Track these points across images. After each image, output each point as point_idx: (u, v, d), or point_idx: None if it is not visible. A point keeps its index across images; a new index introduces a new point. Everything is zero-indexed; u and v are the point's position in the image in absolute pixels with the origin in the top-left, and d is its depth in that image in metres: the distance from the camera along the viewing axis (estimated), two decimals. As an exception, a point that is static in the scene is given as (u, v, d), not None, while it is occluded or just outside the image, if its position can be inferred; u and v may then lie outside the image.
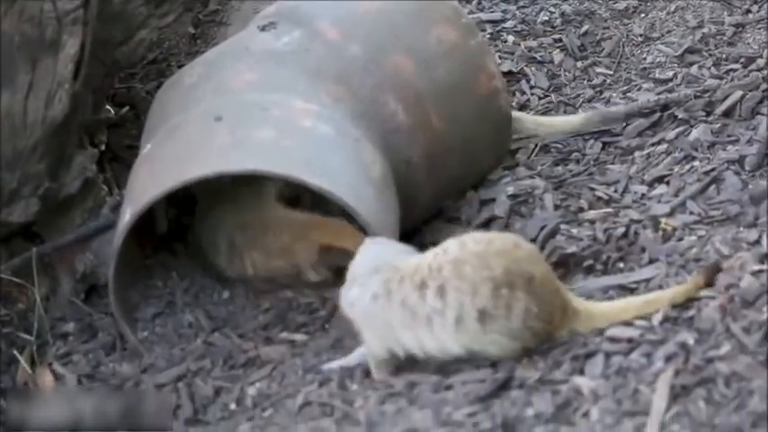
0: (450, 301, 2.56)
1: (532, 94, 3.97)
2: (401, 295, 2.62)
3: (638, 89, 3.85)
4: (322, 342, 3.05)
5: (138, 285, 3.32)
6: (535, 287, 2.57)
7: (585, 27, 4.24)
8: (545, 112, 3.85)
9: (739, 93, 3.55)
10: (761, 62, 3.73)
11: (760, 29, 3.95)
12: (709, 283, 2.67)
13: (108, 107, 3.94)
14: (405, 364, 2.71)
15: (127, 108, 4.05)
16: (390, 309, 2.63)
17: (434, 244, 2.74)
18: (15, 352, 3.17)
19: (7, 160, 3.22)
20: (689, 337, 2.49)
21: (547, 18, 4.31)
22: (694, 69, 3.85)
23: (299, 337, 3.11)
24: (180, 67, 4.02)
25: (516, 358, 2.61)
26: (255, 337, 3.14)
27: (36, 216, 3.33)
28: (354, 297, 2.71)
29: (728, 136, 3.42)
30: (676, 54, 3.97)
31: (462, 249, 2.61)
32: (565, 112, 3.83)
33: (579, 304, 2.67)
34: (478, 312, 2.55)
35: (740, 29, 4.00)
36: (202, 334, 3.18)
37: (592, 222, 3.19)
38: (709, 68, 3.83)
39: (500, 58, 4.09)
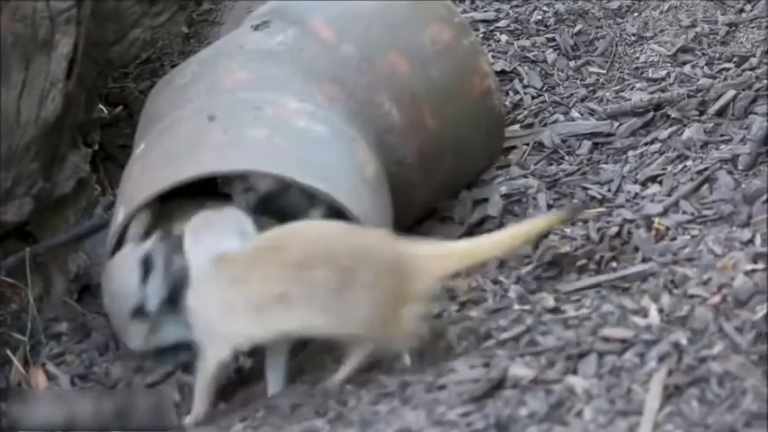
0: None
1: (525, 94, 3.96)
2: None
3: (632, 88, 3.86)
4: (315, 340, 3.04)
5: (131, 285, 3.31)
6: None
7: (579, 26, 4.23)
8: (538, 112, 3.85)
9: (732, 92, 3.55)
10: (754, 61, 3.73)
11: (753, 28, 3.95)
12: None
13: (101, 106, 3.93)
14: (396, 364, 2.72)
15: (120, 107, 4.04)
16: None
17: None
18: (8, 352, 3.17)
19: (1, 159, 3.22)
20: (682, 337, 2.50)
21: (540, 17, 4.31)
22: (687, 68, 3.86)
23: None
24: (173, 66, 4.01)
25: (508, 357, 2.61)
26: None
27: (30, 216, 3.32)
28: None
29: (721, 135, 3.42)
30: (669, 53, 3.97)
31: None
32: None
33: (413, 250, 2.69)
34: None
35: (733, 28, 4.01)
36: (196, 333, 3.17)
37: (585, 222, 3.20)
38: (703, 68, 3.84)
39: (493, 57, 4.08)
